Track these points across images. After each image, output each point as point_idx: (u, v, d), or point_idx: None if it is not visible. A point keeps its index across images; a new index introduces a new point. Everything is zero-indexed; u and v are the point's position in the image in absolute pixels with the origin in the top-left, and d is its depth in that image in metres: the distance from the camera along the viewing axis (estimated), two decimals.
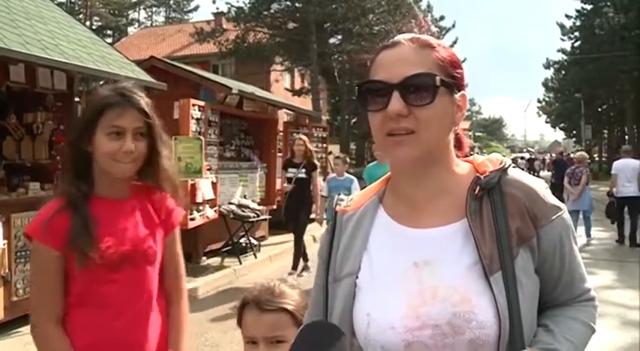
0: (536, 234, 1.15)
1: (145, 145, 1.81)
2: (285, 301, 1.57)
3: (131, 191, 1.91)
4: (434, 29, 31.54)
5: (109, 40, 47.34)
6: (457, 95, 1.18)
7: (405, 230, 1.22)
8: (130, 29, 54.51)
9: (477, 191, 1.16)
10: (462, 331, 1.07)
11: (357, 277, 1.22)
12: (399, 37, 1.20)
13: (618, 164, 11.65)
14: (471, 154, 1.35)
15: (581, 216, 11.49)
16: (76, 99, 6.86)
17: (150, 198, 1.93)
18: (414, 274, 1.15)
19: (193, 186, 7.88)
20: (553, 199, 1.19)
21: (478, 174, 1.19)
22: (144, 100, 1.81)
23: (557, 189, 13.57)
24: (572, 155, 16.26)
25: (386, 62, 1.17)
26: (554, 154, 29.80)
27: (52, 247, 1.76)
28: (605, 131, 47.07)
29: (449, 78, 1.16)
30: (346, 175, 8.48)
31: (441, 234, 1.17)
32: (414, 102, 1.11)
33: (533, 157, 34.39)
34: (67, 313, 1.82)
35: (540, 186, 1.20)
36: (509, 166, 1.22)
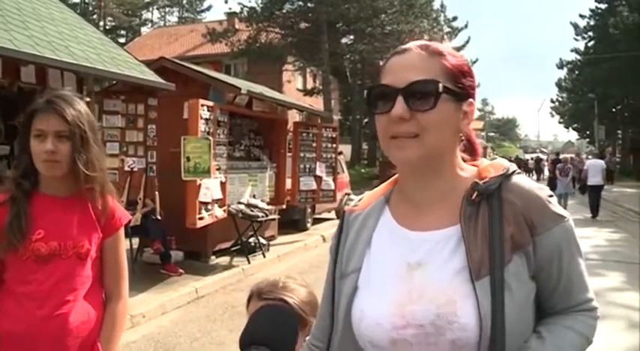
0: (533, 241, 1.14)
1: (69, 147, 1.95)
2: (285, 294, 1.61)
3: (76, 191, 2.02)
4: (446, 30, 31.41)
5: (123, 40, 47.72)
6: (464, 103, 1.20)
7: (404, 231, 1.25)
8: (144, 29, 54.73)
9: (473, 196, 1.17)
10: (444, 332, 1.09)
11: (359, 275, 1.26)
12: (411, 44, 1.23)
13: (589, 162, 18.02)
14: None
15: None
16: (87, 99, 6.93)
17: (93, 199, 2.05)
18: (406, 274, 1.18)
19: (200, 186, 7.91)
20: (555, 208, 1.18)
21: (477, 179, 1.20)
22: (71, 108, 1.96)
23: (552, 181, 18.37)
24: (561, 155, 21.25)
25: (394, 67, 1.21)
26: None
27: None
28: (619, 131, 46.60)
29: (456, 86, 1.18)
30: None
31: (436, 237, 1.19)
32: (417, 107, 1.14)
33: (540, 157, 34.30)
34: (0, 299, 1.96)
35: (542, 193, 1.19)
36: (513, 172, 1.21)
